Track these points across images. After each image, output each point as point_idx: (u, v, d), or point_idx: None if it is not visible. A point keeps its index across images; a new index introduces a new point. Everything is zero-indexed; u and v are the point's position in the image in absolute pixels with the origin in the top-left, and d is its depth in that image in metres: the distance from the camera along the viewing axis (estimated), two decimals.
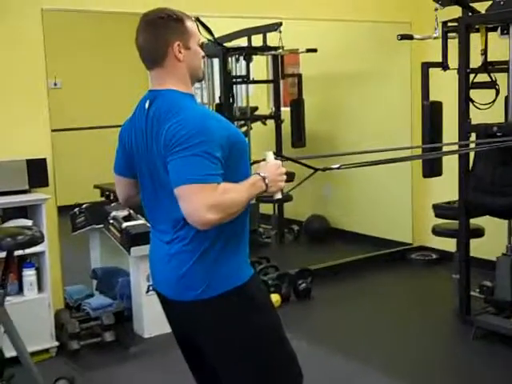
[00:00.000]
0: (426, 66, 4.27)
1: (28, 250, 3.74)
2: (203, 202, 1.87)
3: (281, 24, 5.84)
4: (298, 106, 6.40)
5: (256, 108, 6.74)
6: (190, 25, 2.11)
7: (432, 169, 4.26)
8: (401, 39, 4.42)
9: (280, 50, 5.99)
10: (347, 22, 5.70)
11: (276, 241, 6.60)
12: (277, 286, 4.79)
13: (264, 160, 2.09)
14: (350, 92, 6.51)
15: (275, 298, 4.68)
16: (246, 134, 6.60)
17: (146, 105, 2.10)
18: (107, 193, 4.81)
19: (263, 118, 6.55)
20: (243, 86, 6.60)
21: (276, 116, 6.43)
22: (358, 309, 4.80)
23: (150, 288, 4.03)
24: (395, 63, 6.04)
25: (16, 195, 3.86)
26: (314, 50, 6.14)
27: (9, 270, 3.15)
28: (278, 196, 2.06)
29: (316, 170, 2.56)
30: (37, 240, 3.13)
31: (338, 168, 2.61)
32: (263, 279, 4.79)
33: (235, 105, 6.39)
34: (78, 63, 7.70)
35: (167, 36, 2.06)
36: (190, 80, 2.13)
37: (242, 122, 6.63)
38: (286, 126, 6.53)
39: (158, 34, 2.06)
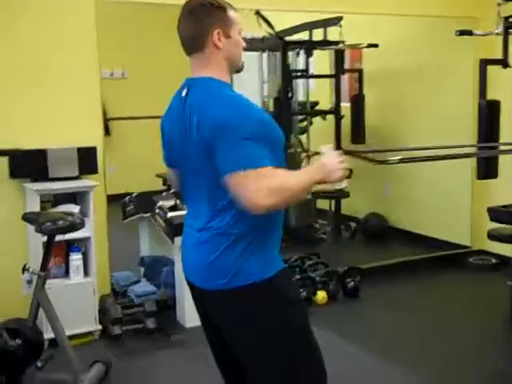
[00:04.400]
0: (484, 63, 4.11)
1: (75, 235, 3.87)
2: (257, 186, 1.86)
3: (341, 18, 5.76)
4: (358, 102, 6.31)
5: (317, 103, 6.68)
6: (233, 14, 2.12)
7: (487, 171, 4.10)
8: (459, 35, 4.26)
9: (340, 45, 5.92)
10: (411, 17, 5.57)
11: (332, 237, 6.53)
12: (324, 283, 4.74)
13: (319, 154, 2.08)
14: (412, 88, 6.35)
15: (322, 294, 4.64)
16: (305, 129, 6.57)
17: (183, 93, 2.12)
18: (169, 182, 4.89)
19: (323, 113, 6.48)
20: (305, 80, 6.55)
21: (336, 111, 6.35)
22: (407, 311, 4.67)
23: None
24: (459, 60, 5.86)
25: (66, 181, 3.96)
26: (375, 45, 6.03)
27: (50, 254, 3.23)
28: (341, 185, 2.03)
29: (376, 161, 2.54)
30: (76, 226, 3.21)
31: (398, 162, 2.59)
32: (310, 276, 4.74)
33: (294, 99, 6.36)
34: (146, 54, 7.86)
35: (208, 23, 2.07)
36: (228, 69, 2.13)
37: (302, 117, 6.60)
38: (347, 122, 6.46)
39: (199, 21, 2.07)
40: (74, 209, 3.85)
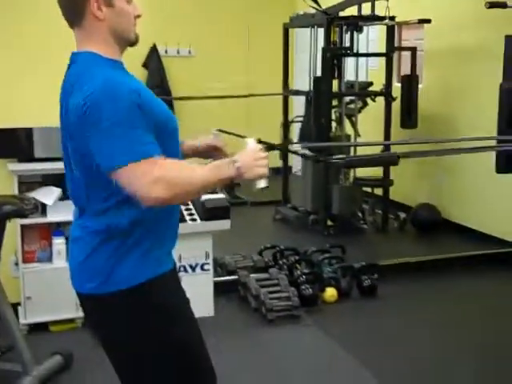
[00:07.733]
0: (510, 41, 3.59)
1: (59, 219, 3.74)
2: (145, 179, 1.67)
3: None
4: (409, 83, 5.79)
5: (370, 83, 6.21)
6: None
7: (508, 163, 3.59)
8: (489, 7, 3.75)
9: (386, 21, 5.45)
10: None
11: (376, 227, 6.07)
12: (336, 280, 4.36)
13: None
14: (475, 69, 5.71)
15: (331, 292, 4.28)
16: (354, 111, 6.13)
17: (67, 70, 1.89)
18: None
19: (372, 95, 6.02)
20: (358, 59, 6.09)
21: (386, 93, 5.87)
22: (429, 317, 4.13)
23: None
24: None
25: (51, 162, 3.79)
26: (428, 21, 5.52)
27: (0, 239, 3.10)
28: (261, 185, 1.79)
29: (318, 161, 2.28)
30: (24, 212, 3.06)
31: (344, 166, 2.31)
32: (316, 271, 4.35)
33: (342, 79, 5.94)
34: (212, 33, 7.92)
35: None
36: (115, 43, 1.86)
37: (350, 98, 6.17)
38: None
39: None
40: (54, 191, 3.70)
